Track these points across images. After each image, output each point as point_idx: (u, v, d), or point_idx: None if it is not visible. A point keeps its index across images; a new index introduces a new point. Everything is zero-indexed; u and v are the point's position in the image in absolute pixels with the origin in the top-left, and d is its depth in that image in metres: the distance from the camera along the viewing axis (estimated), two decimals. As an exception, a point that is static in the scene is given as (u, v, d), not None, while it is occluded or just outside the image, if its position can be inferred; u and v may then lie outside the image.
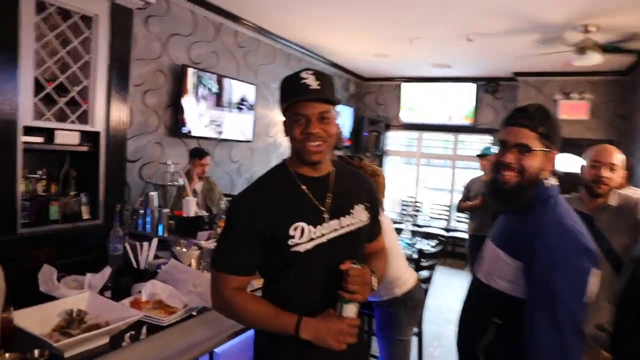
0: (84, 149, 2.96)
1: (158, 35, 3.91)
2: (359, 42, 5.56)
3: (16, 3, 2.45)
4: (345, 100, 7.43)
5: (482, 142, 7.04)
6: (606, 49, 4.43)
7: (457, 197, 7.20)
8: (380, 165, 7.80)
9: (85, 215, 2.99)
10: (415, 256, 3.34)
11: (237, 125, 4.92)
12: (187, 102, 4.19)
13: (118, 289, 1.81)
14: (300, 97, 1.20)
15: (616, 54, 4.78)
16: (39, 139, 2.70)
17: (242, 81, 4.92)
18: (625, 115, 5.98)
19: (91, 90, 2.92)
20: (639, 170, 3.88)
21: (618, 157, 2.08)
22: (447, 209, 7.37)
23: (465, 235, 6.80)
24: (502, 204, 1.39)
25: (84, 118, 2.92)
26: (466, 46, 5.16)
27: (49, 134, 2.76)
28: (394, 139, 7.89)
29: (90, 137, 2.98)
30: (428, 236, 6.67)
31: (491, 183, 1.38)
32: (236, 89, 4.83)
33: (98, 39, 2.91)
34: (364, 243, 1.44)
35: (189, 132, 4.25)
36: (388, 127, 7.69)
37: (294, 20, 4.78)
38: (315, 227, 1.26)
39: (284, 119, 1.28)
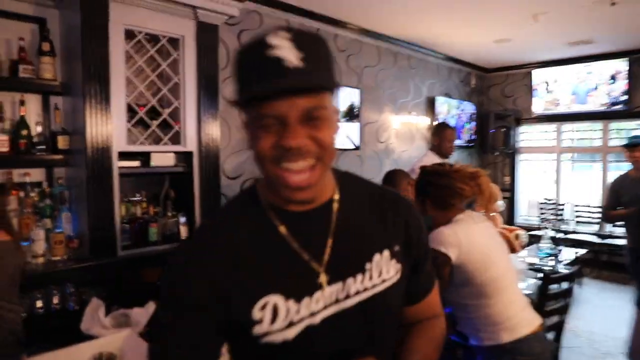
0: (180, 169, 2.97)
1: (253, 49, 3.87)
2: (474, 29, 4.96)
3: (106, 34, 2.53)
4: (466, 97, 6.77)
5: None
6: None
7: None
8: (513, 165, 6.92)
9: (184, 235, 3.00)
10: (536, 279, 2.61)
11: (343, 133, 4.70)
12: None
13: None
14: (267, 87, 0.68)
15: None
16: (135, 163, 2.76)
17: (345, 86, 4.69)
18: None
19: (182, 110, 2.92)
20: None
21: None
22: (599, 211, 6.22)
23: (625, 242, 5.65)
24: None
25: (176, 139, 2.94)
26: (610, 12, 4.24)
27: (145, 157, 2.82)
28: (526, 134, 6.95)
29: (184, 158, 2.99)
30: (575, 244, 5.70)
31: None
32: (340, 95, 4.62)
33: (185, 59, 2.91)
34: (394, 312, 0.90)
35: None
36: (519, 121, 6.80)
37: (398, 15, 4.42)
38: (299, 301, 0.76)
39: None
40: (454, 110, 6.28)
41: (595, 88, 6.06)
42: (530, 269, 4.38)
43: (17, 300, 1.81)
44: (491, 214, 5.06)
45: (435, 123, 5.61)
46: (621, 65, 5.83)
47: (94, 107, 2.49)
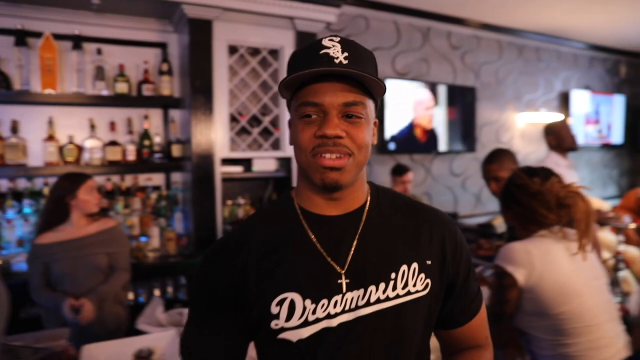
0: (281, 174, 3.12)
1: (357, 53, 3.88)
2: (619, 10, 4.28)
3: (210, 50, 2.77)
4: (614, 88, 5.89)
5: None
6: None
7: None
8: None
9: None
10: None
11: (457, 134, 4.45)
12: (390, 116, 4.01)
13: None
14: (314, 68, 0.74)
15: None
16: (238, 169, 2.97)
17: (460, 85, 4.43)
18: None
19: (281, 118, 3.06)
20: None
21: None
22: None
23: None
24: None
25: (276, 145, 3.09)
26: None
27: (247, 163, 3.02)
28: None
29: (284, 163, 3.13)
30: None
31: None
32: (453, 93, 4.38)
33: (284, 68, 3.04)
34: (417, 328, 0.84)
35: (395, 148, 4.05)
36: (684, 114, 5.71)
37: (522, 4, 4.04)
38: (316, 302, 0.77)
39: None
40: (595, 104, 5.51)
41: None
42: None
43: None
44: (632, 225, 4.37)
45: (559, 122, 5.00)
46: None
47: (199, 118, 2.75)
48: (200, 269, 0.85)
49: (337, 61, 0.75)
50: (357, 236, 0.82)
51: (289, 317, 0.77)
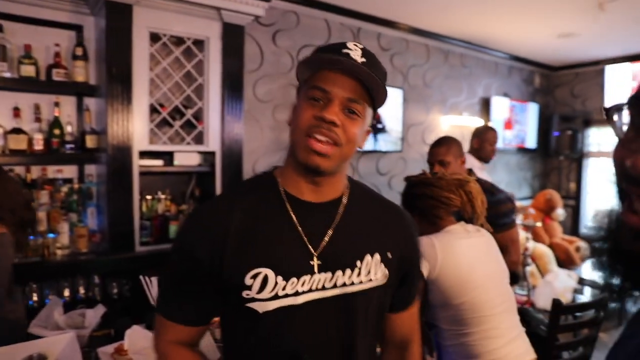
0: (205, 169, 3.02)
1: (288, 49, 3.85)
2: (535, 24, 4.58)
3: (129, 37, 2.62)
4: (529, 97, 6.31)
5: None
6: None
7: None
8: (579, 169, 6.35)
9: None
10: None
11: (384, 134, 4.55)
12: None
13: (119, 330, 1.66)
14: (334, 65, 0.84)
15: None
16: (158, 162, 2.84)
17: (388, 86, 4.53)
18: None
19: (205, 111, 2.97)
20: None
21: None
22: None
23: None
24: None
25: (200, 139, 2.99)
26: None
27: (169, 156, 2.89)
28: (596, 138, 6.32)
29: (209, 157, 3.03)
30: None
31: (609, 231, 0.55)
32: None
33: (210, 60, 2.95)
34: (374, 314, 0.95)
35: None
36: (588, 123, 6.22)
37: (448, 12, 4.20)
38: (287, 279, 0.85)
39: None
40: (512, 111, 5.87)
41: (680, 86, 5.38)
42: (588, 285, 4.00)
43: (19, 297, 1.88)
44: (538, 224, 4.68)
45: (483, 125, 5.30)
46: None
47: (116, 108, 2.60)
48: (181, 230, 0.93)
49: (355, 61, 0.84)
50: (333, 224, 0.91)
51: (260, 290, 0.84)
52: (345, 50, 0.85)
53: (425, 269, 1.49)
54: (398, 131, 4.67)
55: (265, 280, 0.84)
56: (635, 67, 5.73)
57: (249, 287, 0.84)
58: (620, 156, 0.47)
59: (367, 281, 0.91)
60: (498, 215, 2.15)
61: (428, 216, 1.63)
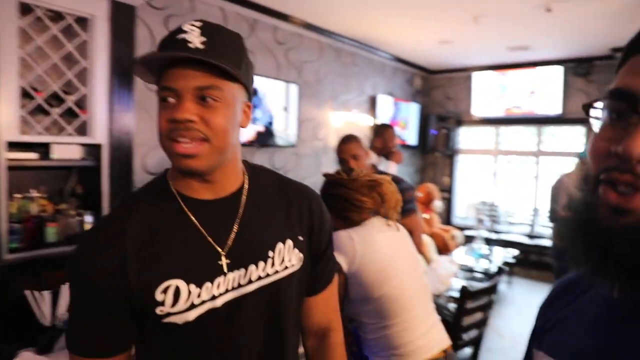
0: (88, 163, 2.69)
1: (181, 36, 3.60)
2: (420, 30, 4.91)
3: (-6, 7, 2.21)
4: (410, 97, 6.76)
5: (572, 135, 6.01)
6: None
7: (542, 199, 6.22)
8: (451, 165, 7.00)
9: (90, 236, 2.73)
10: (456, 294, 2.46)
11: (280, 128, 4.52)
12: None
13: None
14: (166, 53, 0.76)
15: None
16: (32, 155, 2.46)
17: (283, 80, 4.51)
18: None
19: (90, 98, 2.64)
20: None
21: None
22: (531, 212, 6.38)
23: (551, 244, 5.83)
24: (605, 271, 0.50)
25: (83, 130, 2.66)
26: (546, 19, 4.28)
27: (45, 148, 2.52)
28: (467, 136, 7.02)
29: (94, 151, 2.71)
30: (507, 245, 5.82)
31: (577, 212, 0.54)
32: (277, 89, 4.44)
33: (96, 42, 2.63)
34: (295, 301, 0.93)
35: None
36: (460, 123, 6.87)
37: (342, 11, 4.28)
38: (200, 285, 0.80)
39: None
40: (396, 110, 6.24)
41: (532, 94, 6.20)
42: (464, 269, 4.43)
43: None
44: (425, 216, 5.06)
45: (377, 123, 5.55)
46: (556, 73, 5.98)
47: (-23, 90, 2.18)
48: (75, 258, 0.80)
49: (191, 46, 0.76)
50: (237, 219, 0.86)
51: (174, 303, 0.78)
52: (181, 36, 0.77)
53: (344, 263, 1.49)
54: (293, 126, 4.67)
55: (177, 292, 0.78)
56: (496, 75, 6.45)
57: (162, 303, 0.78)
58: (603, 146, 0.49)
59: (282, 269, 0.88)
60: (403, 202, 2.28)
61: (341, 216, 1.63)
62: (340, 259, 1.49)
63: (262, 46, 4.32)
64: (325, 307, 1.03)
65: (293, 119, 4.65)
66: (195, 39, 0.76)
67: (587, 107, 0.54)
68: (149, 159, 3.42)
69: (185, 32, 0.77)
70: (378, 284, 1.49)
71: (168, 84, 0.76)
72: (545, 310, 0.69)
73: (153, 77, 0.81)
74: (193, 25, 0.78)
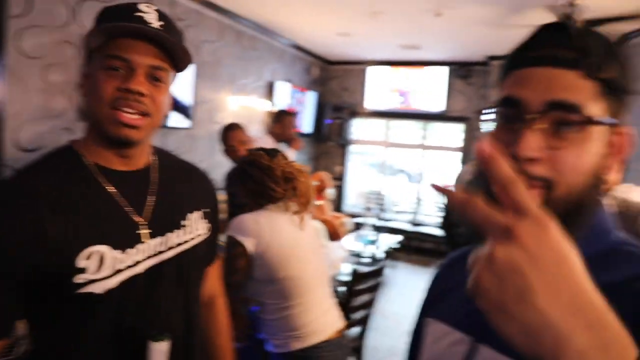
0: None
1: (65, -2, 3.26)
2: (320, 19, 4.99)
3: None
4: (308, 85, 6.86)
5: (453, 131, 6.60)
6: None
7: (425, 188, 6.79)
8: (343, 155, 7.28)
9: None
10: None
11: (174, 109, 4.32)
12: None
13: None
14: (135, 32, 0.79)
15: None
16: None
17: (179, 59, 4.30)
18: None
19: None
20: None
21: None
22: (415, 202, 6.92)
23: (433, 231, 6.40)
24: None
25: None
26: (435, 23, 4.62)
27: None
28: (359, 127, 7.35)
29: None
30: (393, 231, 6.24)
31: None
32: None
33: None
34: (202, 268, 1.03)
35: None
36: (353, 114, 7.16)
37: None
38: (124, 251, 0.83)
39: (92, 72, 0.82)
40: (294, 97, 6.31)
41: (420, 91, 6.67)
42: (353, 255, 4.67)
43: None
44: (317, 203, 5.22)
45: (275, 109, 5.55)
46: (443, 73, 6.50)
47: None
48: None
49: (151, 25, 0.80)
50: (152, 191, 0.91)
51: (98, 269, 0.79)
52: (138, 14, 0.81)
53: (250, 245, 1.50)
54: (188, 107, 4.49)
55: (102, 258, 0.79)
56: (389, 70, 6.83)
57: (82, 270, 0.77)
58: (487, 147, 0.56)
59: (195, 237, 0.97)
60: None
61: (251, 198, 1.64)
62: (247, 241, 1.50)
63: (157, 20, 4.07)
64: (214, 276, 1.14)
65: (189, 100, 4.47)
66: (154, 21, 0.81)
67: (479, 112, 0.60)
68: (22, 134, 3.06)
69: (142, 11, 0.81)
70: (283, 266, 1.54)
71: (123, 54, 0.79)
72: (435, 283, 0.77)
73: (101, 39, 0.81)
74: (149, 7, 0.83)
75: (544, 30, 0.57)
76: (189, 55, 0.87)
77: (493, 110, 0.58)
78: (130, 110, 0.79)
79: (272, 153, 1.70)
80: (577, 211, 0.54)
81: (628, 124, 0.56)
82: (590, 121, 0.51)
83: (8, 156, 2.88)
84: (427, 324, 0.70)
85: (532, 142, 0.52)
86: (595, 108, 0.52)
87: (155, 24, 0.81)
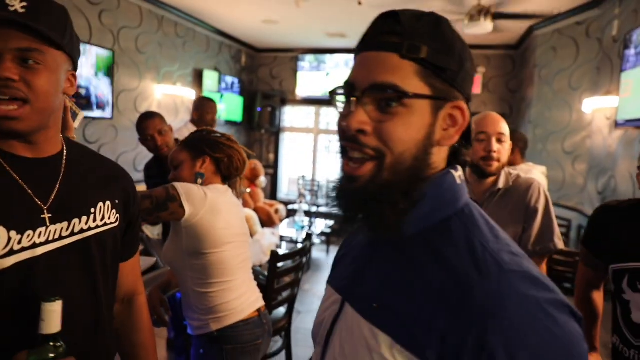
0: None
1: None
2: (245, 6, 4.95)
3: None
4: (236, 73, 6.78)
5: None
6: (496, 15, 4.27)
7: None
8: (277, 142, 7.30)
9: None
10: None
11: (92, 99, 4.13)
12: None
13: None
14: None
15: (508, 22, 4.66)
16: None
17: (96, 45, 4.11)
18: (515, 90, 6.03)
19: None
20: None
21: (505, 126, 1.73)
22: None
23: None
24: (351, 220, 0.66)
25: None
26: (358, 11, 4.73)
27: None
28: (291, 115, 7.39)
29: None
30: (326, 217, 6.38)
31: (336, 181, 0.68)
32: (90, 55, 4.03)
33: None
34: (112, 257, 1.02)
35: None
36: (284, 101, 7.18)
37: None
38: (21, 233, 0.82)
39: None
40: (222, 85, 6.22)
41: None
42: (286, 241, 4.73)
43: None
44: (247, 190, 5.22)
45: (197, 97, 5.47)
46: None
47: None
48: None
49: (11, 9, 0.78)
50: (60, 177, 0.91)
51: None
52: None
53: (188, 210, 1.50)
54: (107, 97, 4.31)
55: None
56: (319, 58, 6.91)
57: None
58: (340, 123, 0.64)
59: (102, 225, 0.96)
60: None
61: (223, 170, 1.68)
62: (187, 205, 1.50)
63: (70, 4, 3.85)
64: (132, 273, 1.14)
65: (107, 89, 4.29)
66: (16, 2, 0.79)
67: (332, 92, 0.68)
68: None
69: None
70: (212, 243, 1.55)
71: None
72: (337, 253, 0.87)
73: None
74: None
75: (379, 19, 0.63)
76: (67, 36, 0.85)
77: (339, 91, 0.66)
78: (4, 98, 0.77)
79: (229, 138, 1.75)
80: (410, 178, 0.61)
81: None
82: (404, 96, 0.59)
83: None
84: (325, 291, 0.80)
85: (359, 117, 0.60)
86: (415, 85, 0.59)
87: (17, 6, 0.79)
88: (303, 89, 7.04)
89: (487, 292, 0.52)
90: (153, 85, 5.01)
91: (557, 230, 1.71)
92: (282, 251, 4.08)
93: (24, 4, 0.79)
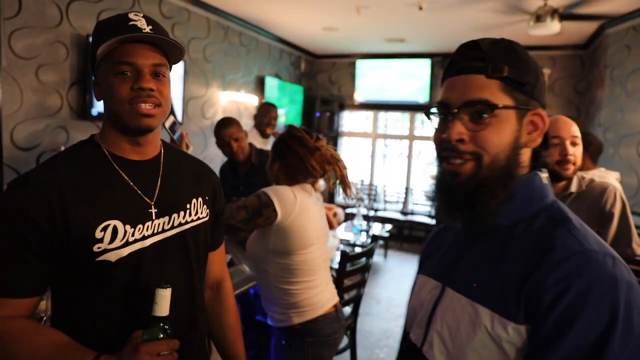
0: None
1: (55, -1, 3.32)
2: (305, 14, 5.08)
3: None
4: (296, 79, 6.95)
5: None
6: (564, 16, 4.12)
7: (414, 179, 6.92)
8: (335, 147, 7.38)
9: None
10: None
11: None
12: (98, 79, 3.63)
13: None
14: (127, 35, 0.91)
15: (576, 22, 4.49)
16: None
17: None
18: (583, 92, 5.77)
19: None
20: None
21: (577, 129, 1.71)
22: (404, 191, 7.05)
23: (423, 219, 6.54)
24: (452, 214, 0.78)
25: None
26: (418, 16, 4.74)
27: None
28: (349, 120, 7.46)
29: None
30: (384, 221, 6.37)
31: (436, 180, 0.80)
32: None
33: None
34: (204, 248, 1.15)
35: (100, 113, 3.70)
36: (342, 106, 7.26)
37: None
38: (134, 226, 0.96)
39: (106, 79, 0.95)
40: (283, 91, 6.39)
41: (406, 83, 6.78)
42: (344, 244, 4.78)
43: None
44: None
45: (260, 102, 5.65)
46: (426, 65, 6.62)
47: None
48: (9, 195, 0.91)
49: (144, 30, 0.93)
50: (160, 176, 1.04)
51: (112, 240, 0.92)
52: (132, 23, 0.94)
53: (280, 212, 1.57)
54: (178, 104, 4.56)
55: (115, 230, 0.93)
56: (377, 63, 6.93)
57: (100, 240, 0.91)
58: (438, 136, 0.78)
59: (196, 219, 1.09)
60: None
61: (289, 172, 1.71)
62: (280, 208, 1.57)
63: (146, 18, 4.13)
64: (220, 261, 1.28)
65: (178, 97, 4.55)
66: (144, 25, 0.94)
67: (427, 110, 0.81)
68: (18, 134, 3.13)
69: (134, 20, 0.94)
70: (301, 244, 1.62)
71: (128, 59, 0.92)
72: (425, 249, 0.99)
73: (105, 49, 0.92)
74: (137, 15, 0.96)
75: (462, 48, 0.77)
76: (180, 49, 0.98)
77: (434, 109, 0.79)
78: (147, 104, 0.94)
79: (317, 136, 1.77)
80: (505, 174, 0.73)
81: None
82: (494, 108, 0.71)
83: (6, 155, 2.95)
84: (417, 279, 0.94)
85: (457, 128, 0.73)
86: (502, 99, 0.72)
87: (147, 28, 0.94)
88: (361, 93, 7.09)
89: (567, 250, 0.64)
90: (219, 92, 5.25)
91: (636, 236, 1.66)
92: (339, 253, 4.15)
93: (150, 27, 0.95)
